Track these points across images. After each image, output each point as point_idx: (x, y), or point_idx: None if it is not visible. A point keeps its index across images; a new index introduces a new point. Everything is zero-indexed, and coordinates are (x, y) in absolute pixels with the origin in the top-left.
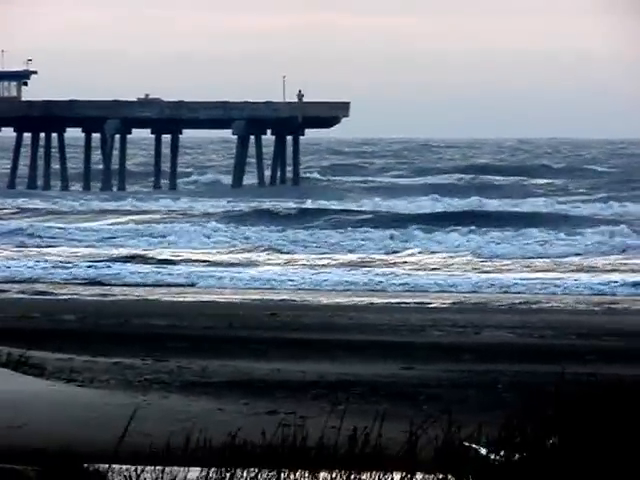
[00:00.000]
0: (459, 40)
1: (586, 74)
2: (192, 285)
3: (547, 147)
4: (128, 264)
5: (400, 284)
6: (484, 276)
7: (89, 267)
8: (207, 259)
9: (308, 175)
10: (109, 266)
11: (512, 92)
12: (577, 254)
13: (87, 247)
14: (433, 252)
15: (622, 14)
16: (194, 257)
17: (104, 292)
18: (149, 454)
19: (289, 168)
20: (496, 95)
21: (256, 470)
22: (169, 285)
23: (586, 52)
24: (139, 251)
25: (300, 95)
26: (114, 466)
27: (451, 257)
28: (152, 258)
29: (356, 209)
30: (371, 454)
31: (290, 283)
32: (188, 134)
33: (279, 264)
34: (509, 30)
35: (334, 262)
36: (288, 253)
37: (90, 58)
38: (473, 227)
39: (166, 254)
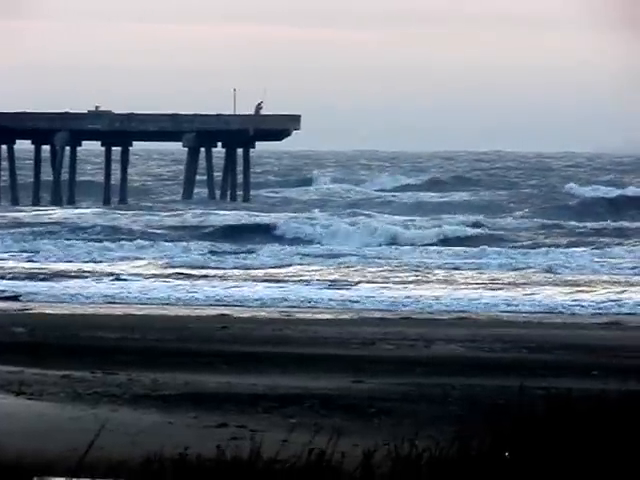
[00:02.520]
0: (414, 51)
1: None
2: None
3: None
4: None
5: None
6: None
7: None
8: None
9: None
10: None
11: (468, 103)
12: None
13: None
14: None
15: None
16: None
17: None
18: (99, 467)
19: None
20: (447, 106)
21: None
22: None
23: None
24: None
25: (259, 107)
26: (64, 479)
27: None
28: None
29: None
30: (324, 468)
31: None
32: (139, 146)
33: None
34: (465, 40)
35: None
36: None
37: (40, 70)
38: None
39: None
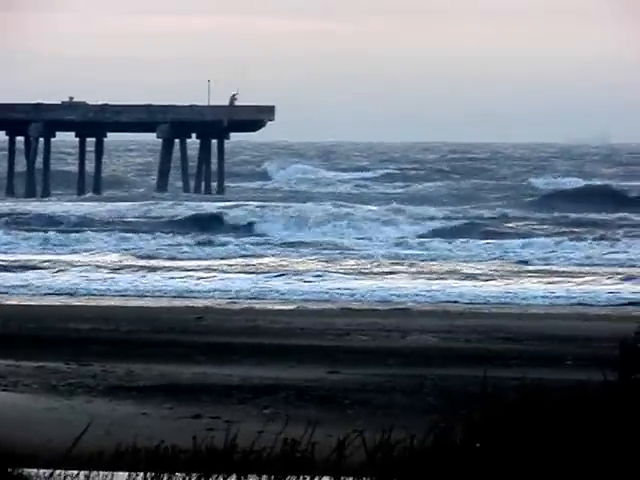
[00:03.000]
0: (390, 41)
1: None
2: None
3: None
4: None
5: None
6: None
7: None
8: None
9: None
10: None
11: (443, 95)
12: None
13: None
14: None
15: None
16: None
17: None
18: (73, 458)
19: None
20: (424, 97)
21: (183, 475)
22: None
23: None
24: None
25: (233, 98)
26: (38, 471)
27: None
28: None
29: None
30: (299, 458)
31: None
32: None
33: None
34: (451, 31)
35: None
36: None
37: (14, 60)
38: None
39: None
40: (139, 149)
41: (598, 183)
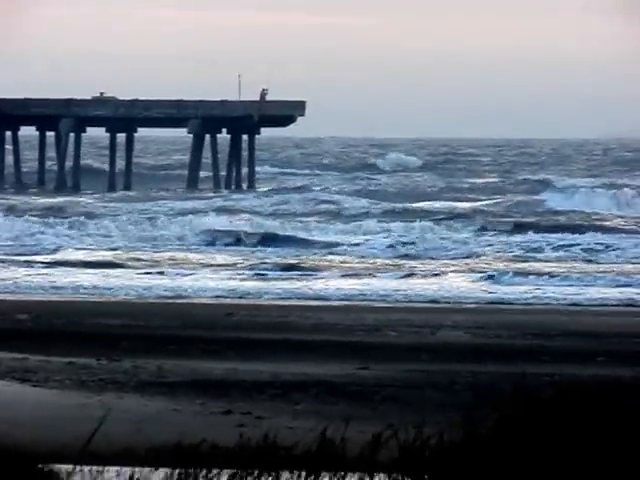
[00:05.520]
0: (417, 40)
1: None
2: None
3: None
4: None
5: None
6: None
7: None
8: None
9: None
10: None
11: (472, 92)
12: None
13: None
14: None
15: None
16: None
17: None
18: (105, 455)
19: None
20: (454, 95)
21: (217, 471)
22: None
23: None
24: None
25: (264, 93)
26: (69, 467)
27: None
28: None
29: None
30: (330, 455)
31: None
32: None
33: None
34: (472, 29)
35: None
36: None
37: (45, 56)
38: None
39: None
40: (171, 143)
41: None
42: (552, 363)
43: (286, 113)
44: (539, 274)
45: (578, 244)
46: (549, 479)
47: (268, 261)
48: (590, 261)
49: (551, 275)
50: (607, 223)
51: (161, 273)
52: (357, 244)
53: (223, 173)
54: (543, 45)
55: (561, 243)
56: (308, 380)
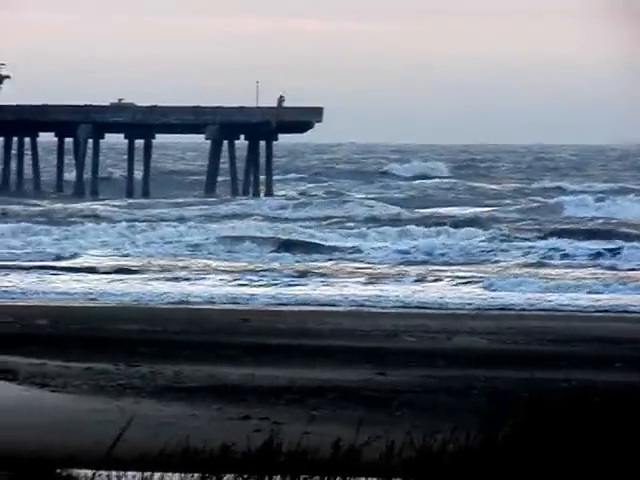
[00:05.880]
0: (439, 44)
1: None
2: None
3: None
4: None
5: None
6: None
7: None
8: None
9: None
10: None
11: (491, 98)
12: None
13: None
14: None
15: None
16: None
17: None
18: (122, 460)
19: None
20: (472, 100)
21: (233, 476)
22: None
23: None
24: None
25: (281, 100)
26: (87, 472)
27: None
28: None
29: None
30: (347, 460)
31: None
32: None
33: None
34: (490, 34)
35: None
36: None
37: (63, 62)
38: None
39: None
40: (191, 150)
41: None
42: (568, 369)
43: (303, 119)
44: (556, 280)
45: (596, 250)
46: None
47: (285, 266)
48: (611, 267)
49: (568, 281)
50: (625, 229)
51: (178, 279)
52: (374, 249)
53: (241, 179)
54: (560, 51)
55: (580, 249)
56: (325, 385)
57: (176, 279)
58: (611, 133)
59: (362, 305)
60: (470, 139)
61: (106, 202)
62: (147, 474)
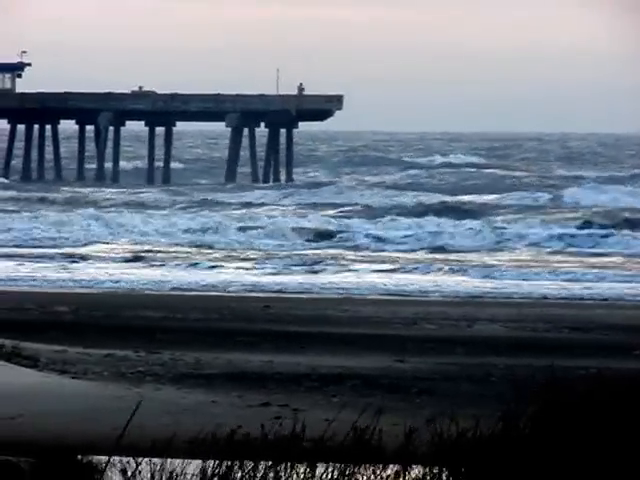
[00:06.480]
0: (457, 33)
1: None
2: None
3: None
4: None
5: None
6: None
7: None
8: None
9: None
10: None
11: (511, 87)
12: None
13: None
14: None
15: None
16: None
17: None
18: (143, 446)
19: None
20: (493, 90)
21: (252, 463)
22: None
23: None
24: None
25: (301, 88)
26: (107, 458)
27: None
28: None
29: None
30: (367, 447)
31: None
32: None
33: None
34: (509, 24)
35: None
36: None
37: (84, 50)
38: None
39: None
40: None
41: None
42: (588, 356)
43: (324, 107)
44: (574, 268)
45: (611, 237)
46: (586, 472)
47: (306, 254)
48: (628, 256)
49: (586, 269)
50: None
51: (198, 265)
52: (395, 238)
53: (261, 165)
54: (582, 41)
55: (597, 237)
56: (345, 373)
57: (197, 265)
58: None
59: (383, 293)
60: (494, 126)
61: (127, 189)
62: (168, 460)
